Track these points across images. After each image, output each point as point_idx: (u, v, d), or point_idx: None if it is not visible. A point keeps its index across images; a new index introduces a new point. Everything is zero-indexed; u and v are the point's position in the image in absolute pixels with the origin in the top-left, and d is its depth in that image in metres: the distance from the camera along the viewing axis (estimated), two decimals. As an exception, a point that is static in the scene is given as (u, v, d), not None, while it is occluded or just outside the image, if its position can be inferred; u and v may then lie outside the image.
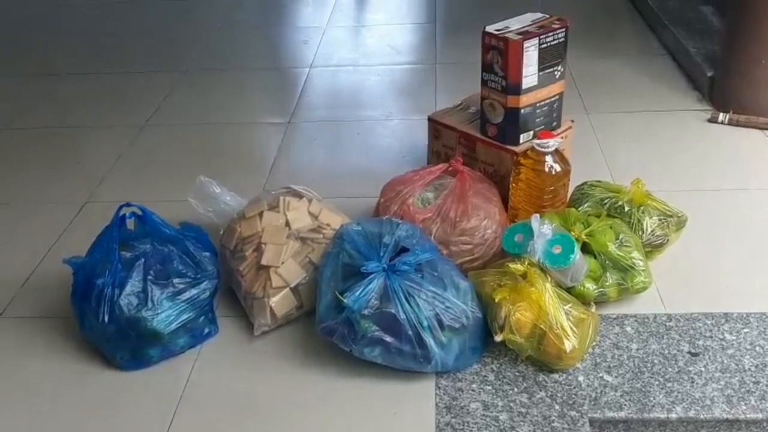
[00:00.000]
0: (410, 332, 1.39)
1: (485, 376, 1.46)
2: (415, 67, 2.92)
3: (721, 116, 2.28)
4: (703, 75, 2.45)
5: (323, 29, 3.37)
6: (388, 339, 1.40)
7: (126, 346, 1.50)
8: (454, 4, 3.59)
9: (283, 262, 1.60)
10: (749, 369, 1.43)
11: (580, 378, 1.44)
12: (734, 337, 1.51)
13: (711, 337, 1.51)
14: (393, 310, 1.39)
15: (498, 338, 1.44)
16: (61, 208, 2.09)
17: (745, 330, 1.52)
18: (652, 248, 1.70)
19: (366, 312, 1.40)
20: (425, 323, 1.40)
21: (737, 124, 2.26)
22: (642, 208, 1.72)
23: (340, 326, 1.42)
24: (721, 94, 2.35)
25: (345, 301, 1.40)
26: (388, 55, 3.08)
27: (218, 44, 3.27)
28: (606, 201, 1.75)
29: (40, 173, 2.30)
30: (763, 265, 1.71)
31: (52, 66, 3.13)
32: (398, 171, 2.09)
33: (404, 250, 1.49)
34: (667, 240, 1.71)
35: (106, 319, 1.47)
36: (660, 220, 1.71)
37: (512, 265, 1.46)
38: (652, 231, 1.69)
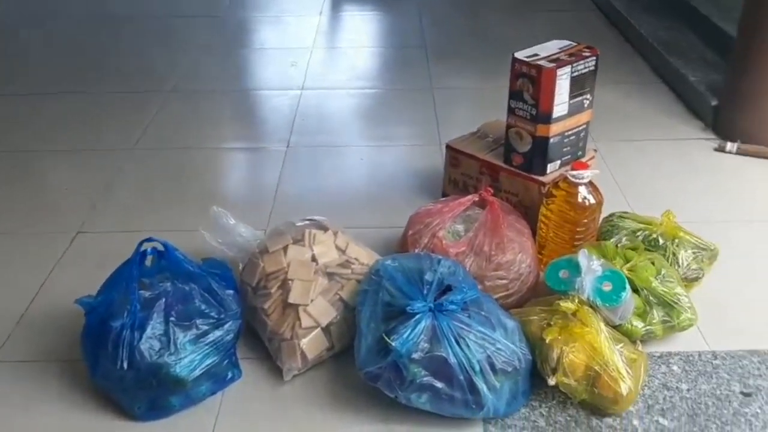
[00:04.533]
0: (461, 377, 1.31)
1: (535, 421, 1.38)
2: (412, 92, 2.85)
3: (729, 146, 2.28)
4: (706, 104, 2.45)
5: (310, 50, 3.28)
6: (439, 385, 1.31)
7: (145, 394, 1.37)
8: (440, 30, 3.54)
9: (312, 300, 1.50)
10: (805, 409, 1.39)
11: (635, 422, 1.37)
12: (784, 376, 1.47)
13: (761, 375, 1.47)
14: (443, 354, 1.31)
15: (552, 382, 1.36)
16: (50, 239, 1.94)
17: (794, 368, 1.49)
18: (687, 282, 1.65)
19: (416, 356, 1.30)
20: (477, 367, 1.31)
21: (746, 153, 2.26)
22: (676, 241, 1.68)
23: (386, 371, 1.33)
24: (727, 123, 2.36)
25: (393, 344, 1.30)
26: (382, 79, 3.02)
27: (202, 65, 3.14)
28: (639, 234, 1.70)
29: (26, 201, 2.13)
30: (795, 299, 1.69)
31: (29, 85, 2.94)
32: (411, 200, 2.03)
33: (447, 288, 1.41)
34: (702, 274, 1.68)
35: (125, 365, 1.34)
36: (694, 253, 1.68)
37: (563, 304, 1.39)
38: (687, 265, 1.66)
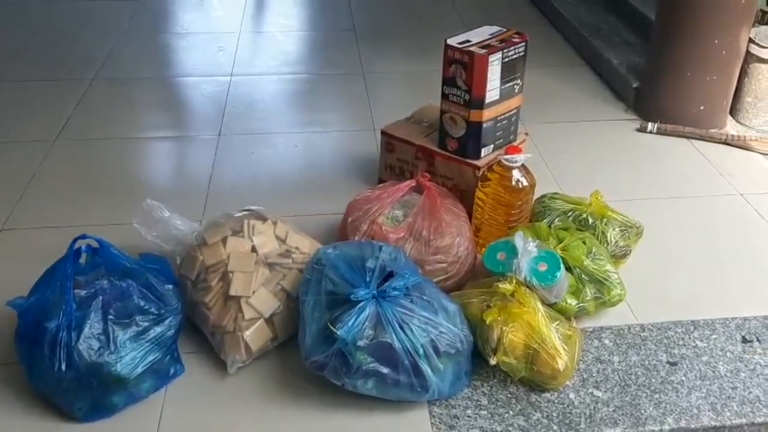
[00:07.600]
0: (407, 362, 1.33)
1: (478, 400, 1.42)
2: (343, 77, 2.84)
3: (649, 126, 2.38)
4: (628, 86, 2.55)
5: (237, 35, 3.22)
6: (384, 370, 1.33)
7: (86, 395, 1.34)
8: (369, 12, 3.53)
9: (254, 292, 1.49)
10: (725, 375, 1.48)
11: (572, 395, 1.44)
12: (705, 344, 1.56)
13: (684, 345, 1.56)
14: (388, 340, 1.33)
15: (493, 361, 1.40)
16: (-27, 238, 1.86)
17: (714, 336, 1.58)
18: (615, 259, 1.73)
19: (361, 343, 1.32)
20: (421, 351, 1.34)
21: (665, 133, 2.37)
22: (605, 220, 1.75)
23: (332, 359, 1.34)
24: (647, 104, 2.46)
25: (338, 332, 1.31)
26: (313, 63, 3.00)
27: (124, 51, 3.04)
28: (570, 214, 1.76)
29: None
30: (713, 272, 1.79)
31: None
32: (347, 186, 2.03)
33: (389, 274, 1.43)
34: (630, 251, 1.76)
35: (63, 366, 1.30)
36: (621, 231, 1.75)
37: (502, 285, 1.43)
38: (615, 242, 1.73)
